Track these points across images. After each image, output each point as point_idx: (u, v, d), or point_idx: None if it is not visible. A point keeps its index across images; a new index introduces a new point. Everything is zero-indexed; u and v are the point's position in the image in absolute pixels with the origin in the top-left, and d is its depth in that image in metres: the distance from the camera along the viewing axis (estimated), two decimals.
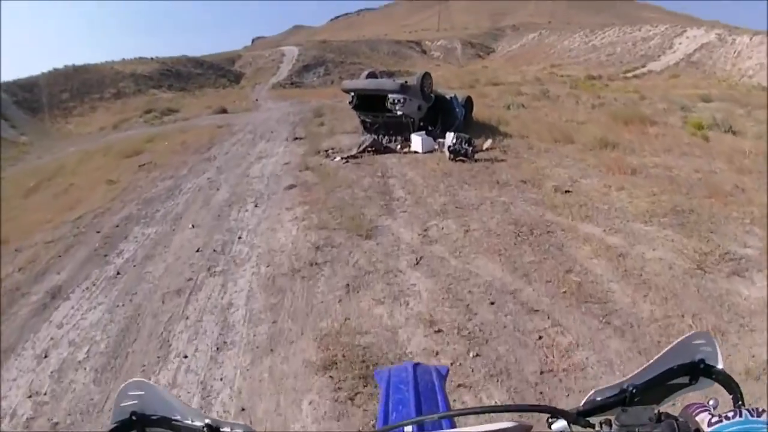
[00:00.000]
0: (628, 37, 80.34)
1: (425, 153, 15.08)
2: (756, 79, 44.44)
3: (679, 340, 1.33)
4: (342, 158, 15.11)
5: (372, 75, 19.08)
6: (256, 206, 11.56)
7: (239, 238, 9.70)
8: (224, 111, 34.66)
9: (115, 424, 1.34)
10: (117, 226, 11.16)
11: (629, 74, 56.41)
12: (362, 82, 17.85)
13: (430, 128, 16.96)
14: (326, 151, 16.56)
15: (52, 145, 35.92)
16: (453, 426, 1.59)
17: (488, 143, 15.38)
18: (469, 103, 18.80)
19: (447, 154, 13.95)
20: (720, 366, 1.34)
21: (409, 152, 15.47)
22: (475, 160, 13.56)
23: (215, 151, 19.16)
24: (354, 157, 15.25)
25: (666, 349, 1.34)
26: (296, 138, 19.88)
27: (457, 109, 17.48)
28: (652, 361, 1.34)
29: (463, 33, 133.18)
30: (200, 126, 27.55)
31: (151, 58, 75.89)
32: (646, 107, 22.09)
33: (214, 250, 9.17)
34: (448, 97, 17.78)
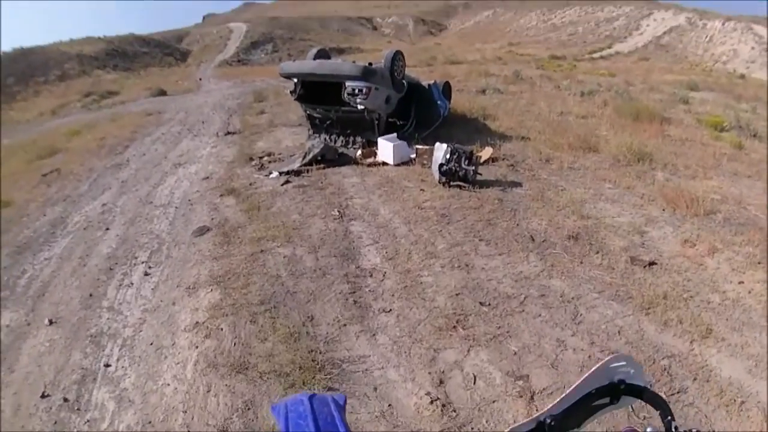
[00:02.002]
0: (590, 17, 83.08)
1: (398, 165, 11.18)
2: (731, 65, 46.32)
3: (596, 366, 1.37)
4: (281, 174, 11.07)
5: (323, 54, 13.93)
6: (145, 274, 7.83)
7: (106, 366, 5.91)
8: (163, 93, 32.81)
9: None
10: None
11: (595, 55, 58.22)
12: (309, 65, 12.94)
13: (399, 123, 13.11)
14: (261, 158, 12.73)
15: None
16: None
17: (488, 152, 11.18)
18: (447, 91, 14.76)
19: (436, 175, 9.72)
20: (643, 384, 1.40)
21: (375, 164, 11.41)
22: (479, 185, 9.61)
23: (132, 151, 16.07)
24: (297, 172, 11.14)
25: (584, 376, 1.36)
26: (228, 132, 16.46)
27: (439, 102, 13.55)
28: (569, 389, 1.36)
29: (415, 10, 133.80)
30: (132, 113, 24.67)
31: (99, 38, 73.85)
32: (641, 96, 20.08)
33: (65, 399, 5.48)
34: (425, 84, 13.67)
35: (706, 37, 57.85)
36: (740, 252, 7.17)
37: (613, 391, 1.37)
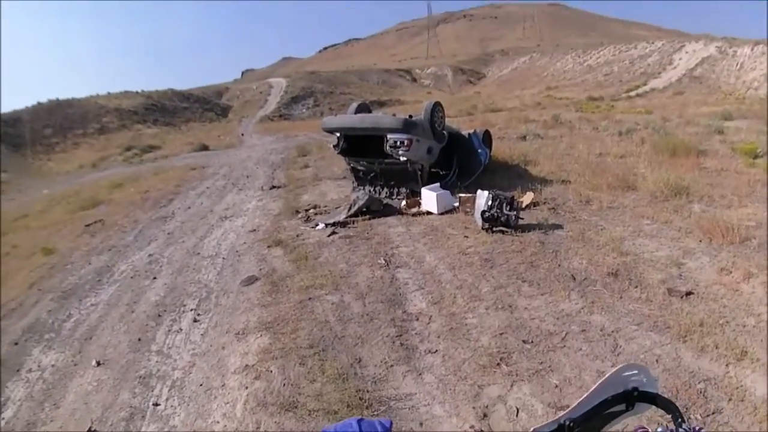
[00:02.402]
0: (624, 55, 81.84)
1: (442, 214, 11.04)
2: (761, 91, 44.38)
3: (609, 373, 1.46)
4: (327, 225, 11.10)
5: (363, 108, 14.03)
6: (195, 320, 7.95)
7: (155, 405, 6.04)
8: (205, 148, 33.12)
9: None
10: (16, 343, 8.29)
11: (632, 93, 57.56)
12: (351, 119, 13.05)
13: (442, 172, 13.04)
14: (306, 210, 12.74)
15: (29, 184, 34.80)
16: None
17: (529, 197, 11.13)
18: (488, 139, 14.71)
19: (479, 221, 9.73)
20: (656, 391, 1.49)
21: (420, 213, 11.37)
22: (521, 229, 9.57)
23: (177, 204, 16.22)
24: (343, 224, 11.14)
25: (598, 383, 1.44)
26: (273, 186, 16.51)
27: (480, 150, 13.47)
28: (586, 394, 1.43)
29: (453, 60, 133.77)
30: (175, 167, 25.15)
31: (137, 92, 74.80)
32: (677, 131, 19.66)
33: None
34: (465, 134, 13.64)
35: (737, 64, 56.23)
36: None
37: (628, 398, 1.44)
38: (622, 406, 1.46)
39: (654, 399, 1.44)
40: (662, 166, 13.07)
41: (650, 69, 68.16)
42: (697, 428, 1.21)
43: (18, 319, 9.16)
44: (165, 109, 69.02)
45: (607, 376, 1.42)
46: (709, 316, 6.18)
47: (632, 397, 1.44)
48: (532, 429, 1.33)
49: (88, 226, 14.96)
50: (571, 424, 1.37)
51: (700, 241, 8.48)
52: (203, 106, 76.14)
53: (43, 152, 50.39)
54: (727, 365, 5.30)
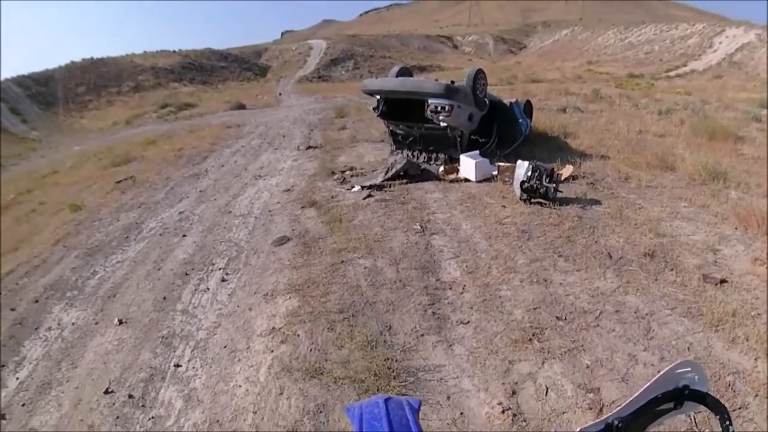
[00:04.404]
0: (665, 35, 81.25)
1: (480, 182, 10.91)
2: None
3: (664, 370, 1.37)
4: (362, 188, 11.00)
5: (405, 72, 13.74)
6: (223, 280, 7.90)
7: (176, 366, 5.98)
8: (242, 107, 33.06)
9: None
10: (36, 301, 8.23)
11: (671, 73, 57.60)
12: (392, 82, 12.72)
13: (481, 140, 12.89)
14: (342, 172, 12.60)
15: (61, 141, 35.64)
16: None
17: (569, 170, 10.98)
18: (529, 109, 14.57)
19: (517, 191, 9.59)
20: (706, 390, 1.40)
21: (457, 180, 11.18)
22: (559, 202, 9.40)
23: (211, 162, 16.26)
24: (379, 187, 11.01)
25: (651, 380, 1.37)
26: (309, 147, 16.40)
27: (521, 120, 13.29)
28: (637, 393, 1.36)
29: (494, 29, 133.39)
30: (211, 125, 25.22)
31: (174, 51, 74.58)
32: (716, 115, 19.40)
33: (130, 395, 5.57)
34: (506, 102, 13.44)
35: None
36: None
37: (678, 396, 1.38)
38: (671, 404, 1.40)
39: (704, 399, 1.37)
40: (700, 149, 13.03)
41: (690, 51, 67.89)
42: None
43: (40, 276, 9.20)
44: (202, 68, 68.99)
45: (660, 373, 1.36)
46: (742, 307, 6.06)
47: (682, 396, 1.38)
48: (579, 429, 1.29)
49: (118, 182, 15.03)
50: (620, 425, 1.31)
51: (736, 228, 8.34)
52: (241, 66, 75.96)
53: (76, 110, 50.75)
54: (756, 359, 5.19)
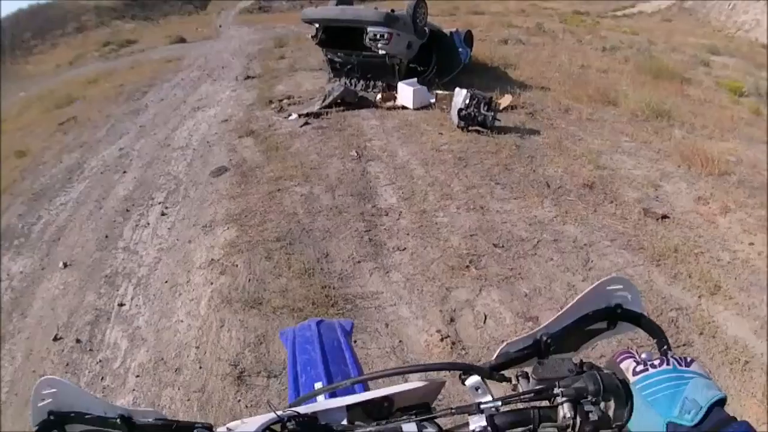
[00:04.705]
0: None
1: (417, 109, 10.98)
2: (752, 34, 42.74)
3: (593, 285, 1.30)
4: (300, 116, 10.93)
5: (345, 0, 13.65)
6: (162, 214, 7.93)
7: (120, 305, 5.96)
8: (183, 41, 32.48)
9: (37, 427, 1.24)
10: None
11: (618, 13, 56.23)
12: (331, 11, 12.68)
13: (420, 68, 12.87)
14: (280, 100, 12.45)
15: (8, 88, 33.06)
16: (366, 388, 1.63)
17: (508, 99, 10.96)
18: (469, 39, 14.54)
19: (455, 119, 9.57)
20: (640, 310, 1.34)
21: (395, 107, 11.24)
22: (497, 131, 9.44)
23: (150, 96, 15.96)
24: (316, 114, 10.98)
25: (580, 295, 1.31)
26: (248, 77, 16.03)
27: (461, 49, 13.29)
28: (566, 308, 1.31)
29: None
30: (151, 60, 24.53)
31: None
32: (662, 56, 19.27)
33: (77, 340, 5.56)
34: (446, 32, 13.41)
35: (730, 5, 56.21)
36: (752, 214, 7.08)
37: (610, 315, 1.33)
38: (603, 324, 1.36)
39: (638, 320, 1.33)
40: (645, 87, 13.01)
41: None
42: (688, 358, 1.07)
43: None
44: (144, 4, 66.87)
45: (589, 288, 1.29)
46: (684, 244, 6.23)
47: (615, 315, 1.33)
48: (505, 343, 1.31)
49: (61, 124, 14.76)
50: (548, 340, 1.30)
51: (679, 166, 8.48)
52: (183, 0, 74.88)
53: (21, 56, 49.45)
54: (699, 297, 5.34)
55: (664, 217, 6.83)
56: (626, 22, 40.48)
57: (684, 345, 4.70)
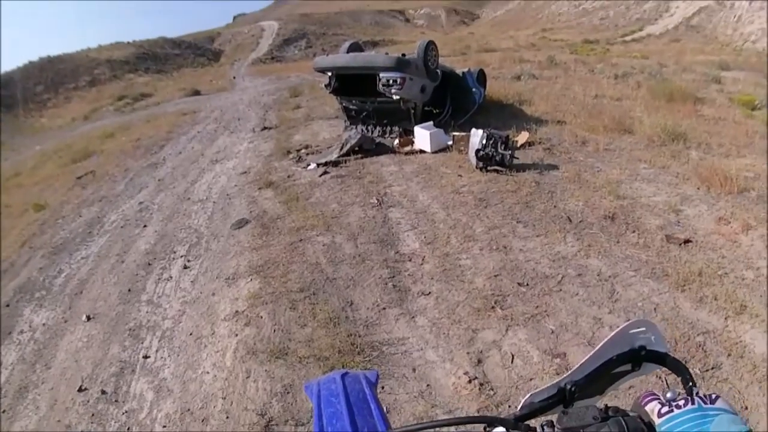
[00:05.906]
0: (620, 0, 78.45)
1: (435, 152, 10.90)
2: (759, 44, 43.38)
3: (616, 330, 1.32)
4: (318, 165, 10.97)
5: (355, 47, 13.95)
6: (185, 267, 7.87)
7: (145, 357, 5.96)
8: (197, 93, 32.69)
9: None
10: (7, 305, 8.14)
11: (627, 38, 57.21)
12: (343, 58, 12.82)
13: (435, 111, 12.84)
14: (298, 150, 12.60)
15: (22, 142, 34.47)
16: None
17: (525, 136, 10.96)
18: (482, 78, 14.37)
19: (473, 160, 9.54)
20: (664, 350, 1.35)
21: (413, 152, 11.21)
22: (516, 169, 9.40)
23: (168, 150, 16.14)
24: (335, 163, 11.01)
25: (603, 341, 1.32)
26: (265, 128, 16.23)
27: (474, 89, 13.28)
28: (589, 355, 1.32)
29: (447, 0, 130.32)
30: (167, 113, 24.91)
31: (128, 42, 73.44)
32: (674, 77, 19.27)
33: (103, 391, 5.53)
34: (459, 72, 13.44)
35: (735, 17, 55.71)
36: None
37: (634, 357, 1.33)
38: (628, 366, 1.35)
39: (663, 359, 1.32)
40: (659, 111, 12.95)
41: (646, 15, 67.00)
42: (713, 395, 1.07)
43: (9, 279, 9.13)
44: (157, 57, 67.96)
45: (612, 334, 1.30)
46: (708, 266, 6.07)
47: (639, 357, 1.33)
48: (529, 394, 1.29)
49: (79, 178, 14.95)
50: (573, 388, 1.28)
51: (698, 188, 8.33)
52: (195, 52, 75.18)
53: (35, 110, 49.94)
54: (726, 318, 5.21)
55: (687, 241, 6.73)
56: (636, 46, 41.00)
57: (712, 368, 4.57)
